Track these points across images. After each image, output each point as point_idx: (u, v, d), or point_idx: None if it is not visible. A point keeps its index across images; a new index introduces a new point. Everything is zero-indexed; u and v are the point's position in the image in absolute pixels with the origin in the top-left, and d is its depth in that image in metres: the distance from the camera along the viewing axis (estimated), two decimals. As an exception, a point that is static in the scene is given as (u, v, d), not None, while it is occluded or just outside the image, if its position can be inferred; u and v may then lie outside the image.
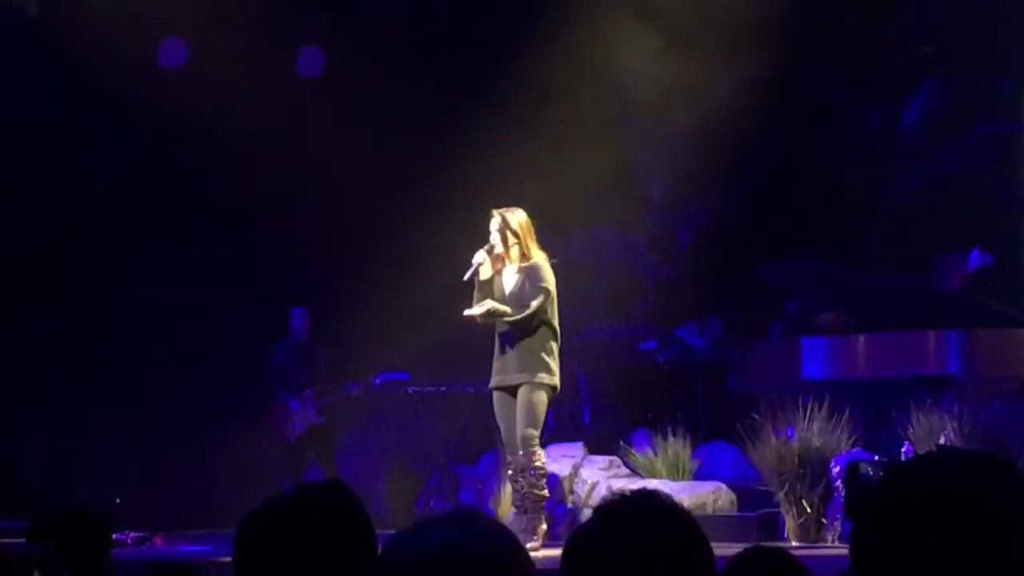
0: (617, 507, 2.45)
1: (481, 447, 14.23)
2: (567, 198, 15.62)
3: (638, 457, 13.20)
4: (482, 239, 10.61)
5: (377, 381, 14.74)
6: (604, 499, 2.52)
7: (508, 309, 10.35)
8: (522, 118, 15.65)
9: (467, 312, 10.42)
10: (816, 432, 11.47)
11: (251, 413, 15.18)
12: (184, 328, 15.92)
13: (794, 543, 11.05)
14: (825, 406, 11.52)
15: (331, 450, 14.95)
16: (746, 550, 3.77)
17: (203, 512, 14.91)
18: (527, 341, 10.37)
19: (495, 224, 10.50)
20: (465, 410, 14.60)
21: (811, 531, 11.25)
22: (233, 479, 15.12)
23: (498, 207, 10.62)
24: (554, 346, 10.47)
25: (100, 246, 16.04)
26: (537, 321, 10.36)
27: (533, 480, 10.39)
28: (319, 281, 15.73)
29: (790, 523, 11.38)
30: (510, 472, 10.62)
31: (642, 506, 2.44)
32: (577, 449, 13.60)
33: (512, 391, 10.41)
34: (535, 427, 10.32)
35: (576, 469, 13.25)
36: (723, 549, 4.18)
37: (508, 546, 2.24)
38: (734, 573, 3.55)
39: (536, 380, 10.31)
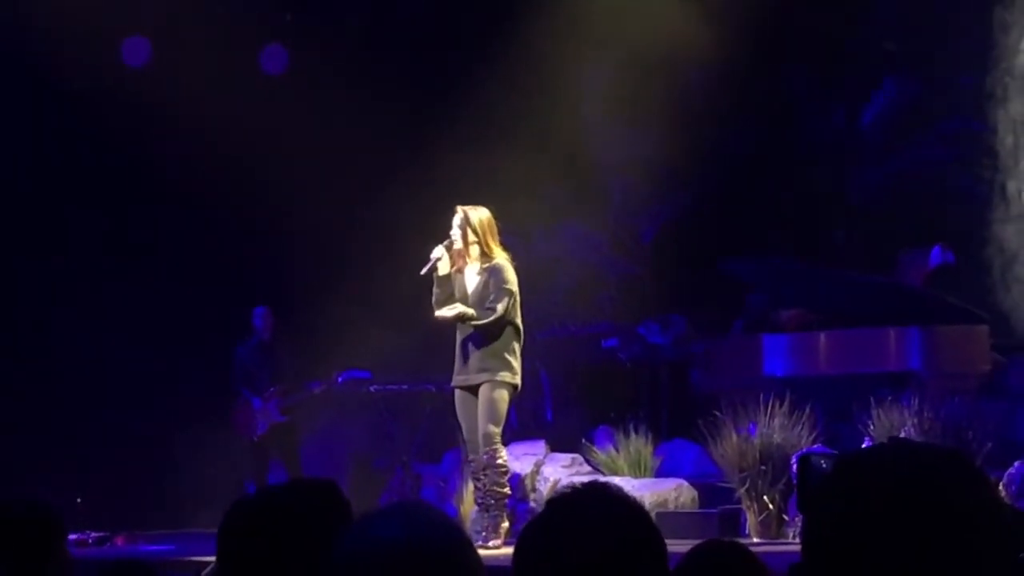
0: (568, 500, 2.45)
1: (444, 446, 14.22)
2: (530, 195, 15.62)
3: (600, 455, 13.22)
4: (445, 238, 10.58)
5: (339, 379, 14.71)
6: (556, 492, 2.53)
7: (470, 311, 10.33)
8: (487, 115, 15.66)
9: (438, 313, 10.39)
10: (777, 429, 11.50)
11: (215, 414, 15.14)
12: (148, 328, 15.87)
13: (755, 539, 11.08)
14: (786, 403, 11.56)
15: (295, 449, 14.92)
16: (703, 543, 3.77)
17: (166, 512, 14.89)
18: (490, 340, 10.36)
19: (457, 220, 10.47)
20: (427, 409, 14.58)
21: (772, 527, 11.28)
22: (196, 480, 15.10)
23: (462, 204, 10.59)
24: (517, 346, 10.45)
25: (65, 244, 15.97)
26: (502, 321, 10.35)
27: (495, 478, 10.39)
28: (283, 280, 15.69)
29: (751, 519, 11.40)
30: (472, 470, 10.61)
31: (593, 498, 2.45)
32: (539, 447, 13.60)
33: (474, 390, 10.40)
34: (496, 425, 10.32)
35: (538, 467, 13.25)
36: (684, 546, 4.20)
37: (452, 538, 2.24)
38: (691, 566, 3.55)
39: (497, 379, 10.30)
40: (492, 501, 10.49)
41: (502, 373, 10.31)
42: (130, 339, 15.82)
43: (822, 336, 13.29)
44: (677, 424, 14.51)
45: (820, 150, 16.87)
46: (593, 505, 2.43)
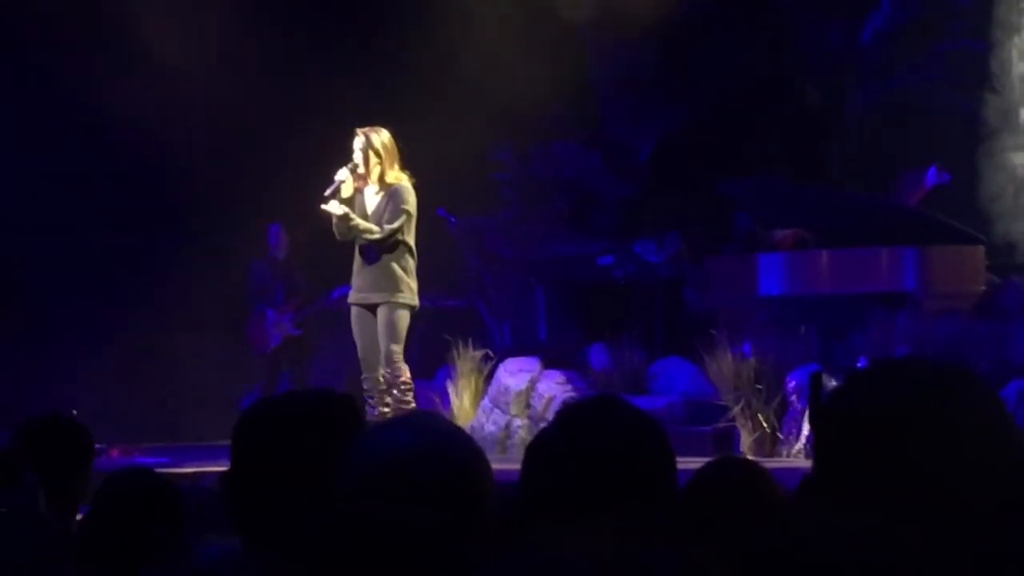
0: (578, 408, 2.48)
1: (438, 361, 14.26)
2: (526, 115, 15.56)
3: (595, 372, 13.25)
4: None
5: (334, 295, 14.76)
6: (566, 402, 2.55)
7: (365, 224, 10.32)
8: (482, 31, 15.56)
9: (323, 206, 10.38)
10: (772, 347, 11.54)
11: (211, 326, 15.17)
12: (149, 239, 15.84)
13: (750, 457, 11.11)
14: (781, 322, 11.59)
15: (305, 362, 15.07)
16: (716, 459, 3.77)
17: (162, 425, 14.92)
18: (386, 260, 10.37)
19: (358, 143, 10.44)
20: (420, 324, 14.59)
21: (766, 445, 11.34)
22: (191, 393, 15.13)
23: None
24: (412, 264, 10.45)
25: (66, 152, 15.83)
26: (394, 240, 10.35)
27: (399, 396, 10.45)
28: (296, 197, 15.61)
29: (746, 437, 11.46)
30: (366, 388, 10.62)
31: (602, 407, 2.47)
32: (534, 364, 13.63)
33: (371, 308, 10.46)
34: (398, 343, 10.37)
35: (533, 383, 13.29)
36: (679, 464, 4.18)
37: (463, 447, 2.27)
38: (703, 482, 3.55)
39: (395, 300, 10.34)
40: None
41: (399, 294, 10.36)
42: (129, 251, 15.81)
43: (817, 255, 13.30)
44: (672, 342, 14.51)
45: (817, 69, 16.78)
46: (602, 413, 2.45)
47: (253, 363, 15.15)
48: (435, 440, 2.25)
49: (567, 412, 2.47)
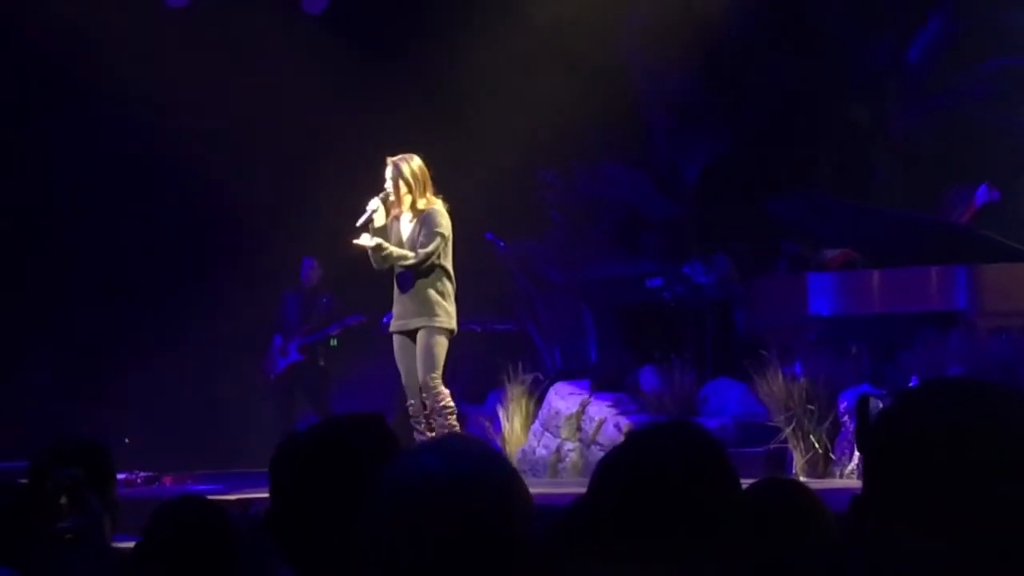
0: (648, 431, 2.49)
1: (488, 385, 14.26)
2: (571, 135, 15.57)
3: (645, 394, 13.23)
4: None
5: (384, 320, 14.79)
6: (637, 424, 2.58)
7: (399, 251, 10.31)
8: (525, 52, 15.59)
9: (355, 241, 10.37)
10: (823, 368, 11.50)
11: (259, 354, 15.22)
12: (196, 270, 15.92)
13: (802, 479, 11.07)
14: (832, 342, 11.55)
15: (321, 389, 15.01)
16: (761, 481, 3.76)
17: (213, 452, 14.98)
18: (422, 285, 10.34)
19: (389, 172, 10.45)
20: (470, 349, 14.62)
21: (819, 466, 11.29)
22: (243, 419, 15.18)
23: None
24: (450, 288, 10.43)
25: (109, 180, 15.92)
26: (431, 265, 10.33)
27: (443, 420, 10.42)
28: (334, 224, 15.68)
29: (798, 459, 11.42)
30: (412, 413, 10.59)
31: (673, 431, 2.49)
32: (584, 387, 13.62)
33: (411, 335, 10.44)
34: (435, 371, 10.33)
35: (583, 407, 13.27)
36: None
37: (496, 470, 2.23)
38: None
39: (433, 324, 10.31)
40: None
41: (436, 318, 10.32)
42: (178, 281, 15.89)
43: (867, 275, 13.24)
44: (722, 363, 14.49)
45: (863, 87, 16.74)
46: (673, 436, 2.47)
47: (265, 389, 15.22)
48: (465, 465, 2.21)
49: (636, 436, 2.48)
